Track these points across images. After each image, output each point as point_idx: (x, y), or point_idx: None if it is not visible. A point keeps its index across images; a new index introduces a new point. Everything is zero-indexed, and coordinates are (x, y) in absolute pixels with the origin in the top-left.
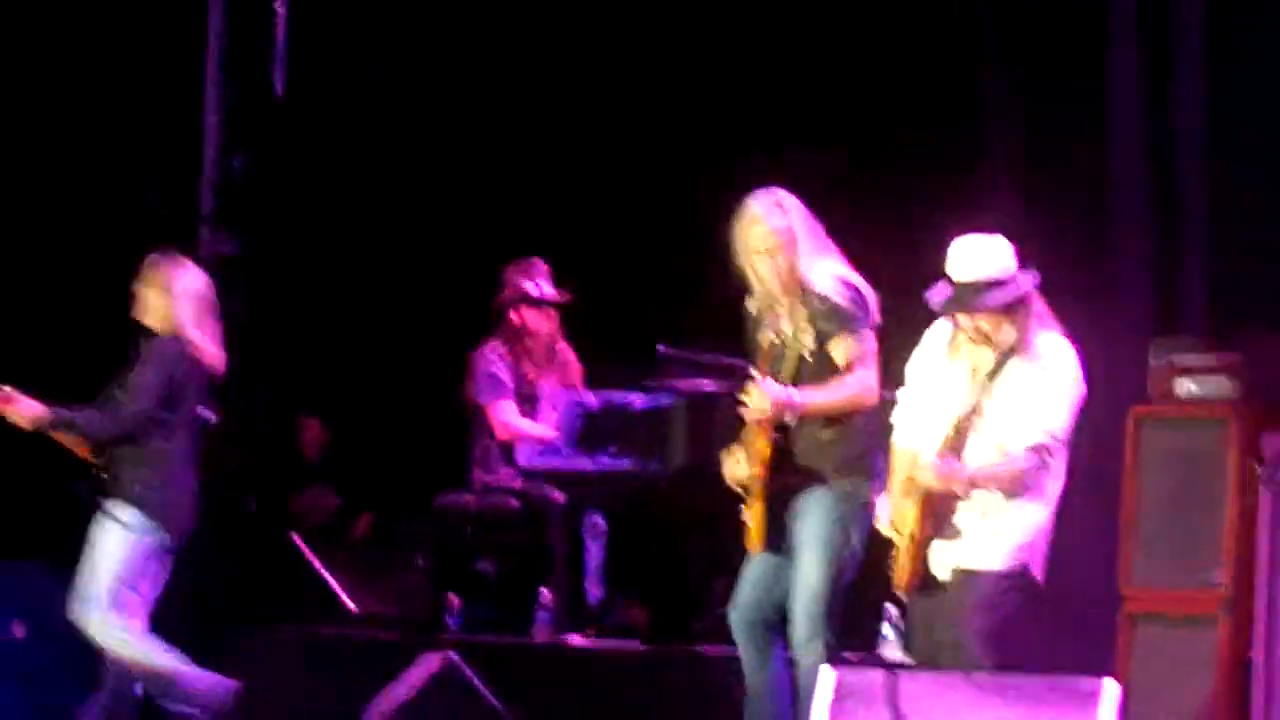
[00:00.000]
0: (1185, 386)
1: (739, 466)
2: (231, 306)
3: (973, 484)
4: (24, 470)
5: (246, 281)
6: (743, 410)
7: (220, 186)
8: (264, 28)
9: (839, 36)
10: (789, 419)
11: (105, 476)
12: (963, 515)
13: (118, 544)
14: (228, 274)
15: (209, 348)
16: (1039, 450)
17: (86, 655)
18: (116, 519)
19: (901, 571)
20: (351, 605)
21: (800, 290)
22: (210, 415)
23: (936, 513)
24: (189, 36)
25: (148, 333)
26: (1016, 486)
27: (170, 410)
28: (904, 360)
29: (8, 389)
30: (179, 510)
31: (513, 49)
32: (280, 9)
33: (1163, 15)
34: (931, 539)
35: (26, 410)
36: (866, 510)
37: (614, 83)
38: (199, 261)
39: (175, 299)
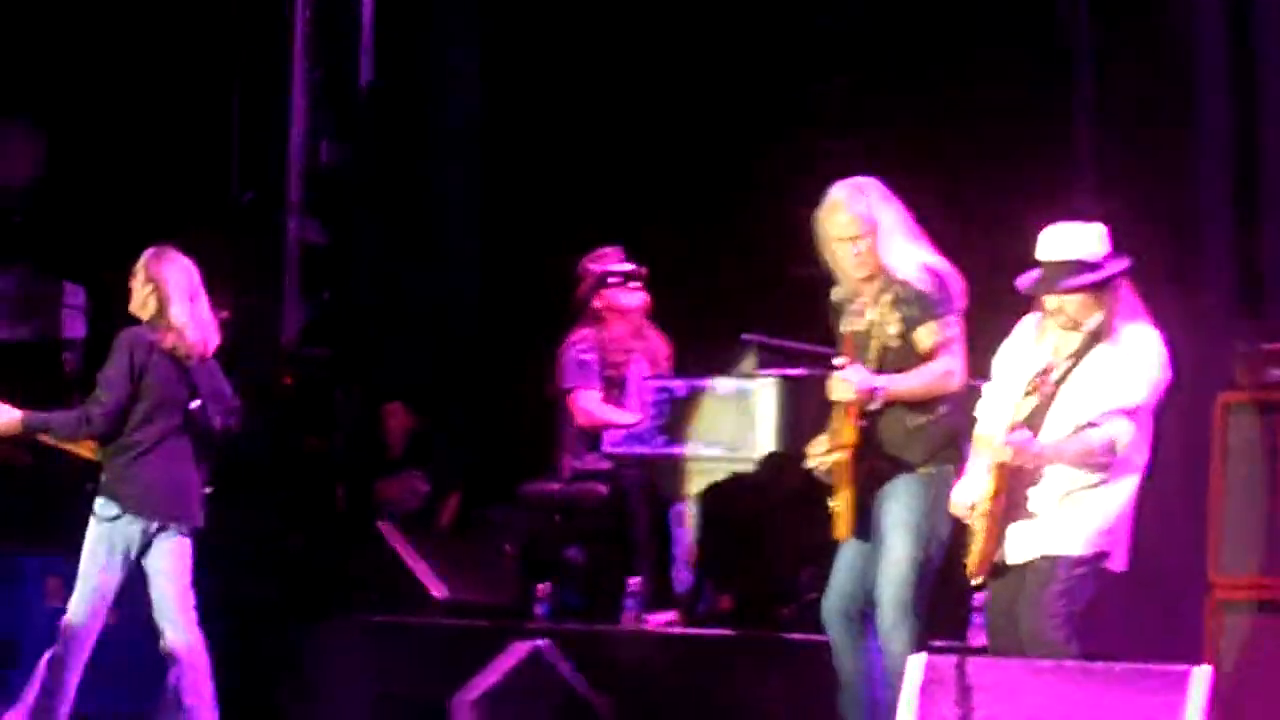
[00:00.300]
0: (1275, 373)
1: (826, 453)
2: (319, 295)
3: (1042, 457)
4: None
5: (334, 270)
6: (829, 396)
7: (307, 175)
8: (350, 16)
9: (927, 27)
10: (875, 405)
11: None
12: (1041, 498)
13: (90, 534)
14: (315, 263)
15: (190, 332)
16: (1110, 423)
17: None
18: (94, 511)
19: (974, 554)
20: (439, 593)
21: (884, 277)
22: (195, 404)
23: (1011, 491)
24: (276, 26)
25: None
26: (1086, 460)
27: (138, 399)
28: (992, 352)
29: None
30: (153, 496)
31: (590, 41)
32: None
33: (1248, 8)
34: (1005, 520)
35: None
36: (946, 496)
37: (693, 67)
38: (286, 250)
39: (154, 288)
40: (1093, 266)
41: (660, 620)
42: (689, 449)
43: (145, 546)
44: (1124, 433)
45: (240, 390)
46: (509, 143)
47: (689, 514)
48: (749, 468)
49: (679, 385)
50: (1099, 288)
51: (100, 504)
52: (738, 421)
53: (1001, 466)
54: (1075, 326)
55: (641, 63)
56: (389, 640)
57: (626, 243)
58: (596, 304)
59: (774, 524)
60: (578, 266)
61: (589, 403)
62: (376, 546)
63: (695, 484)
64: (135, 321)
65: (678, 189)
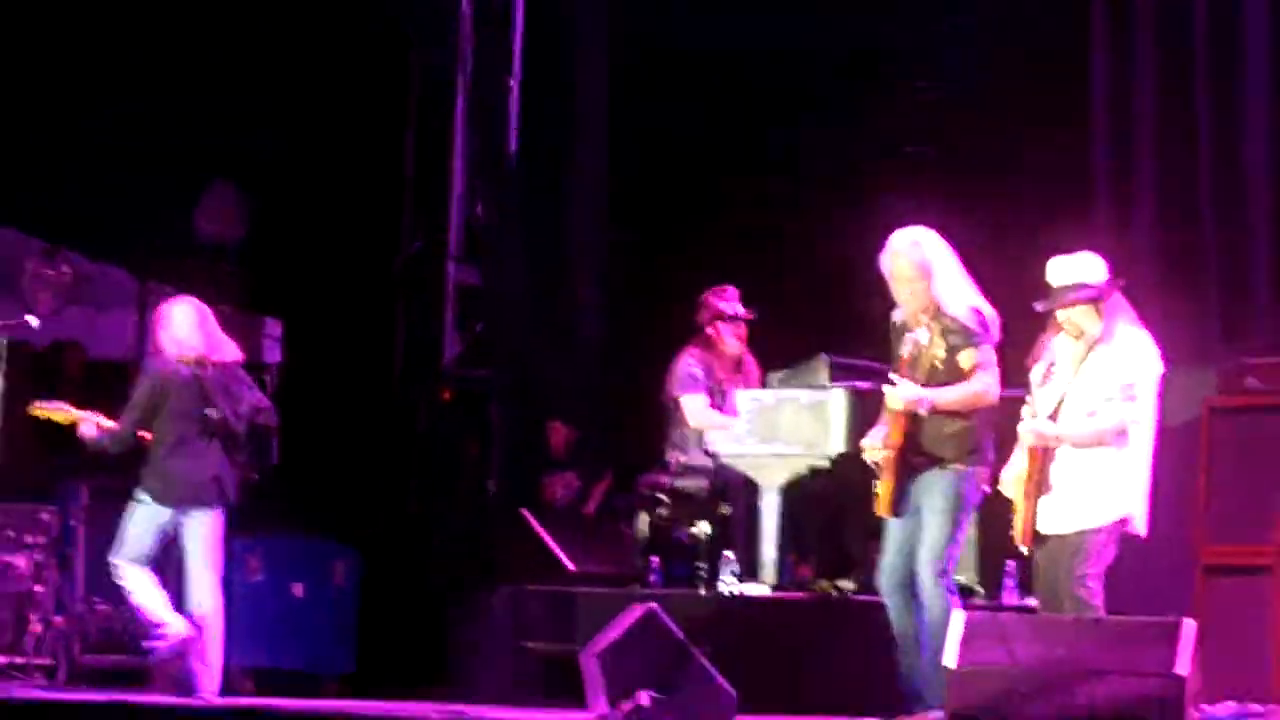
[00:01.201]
0: (1251, 382)
1: (875, 449)
2: (474, 326)
3: (1059, 439)
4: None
5: (486, 307)
6: (886, 403)
7: (465, 228)
8: (500, 94)
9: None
10: (922, 412)
11: None
12: (1070, 479)
13: (128, 515)
14: (470, 300)
15: (201, 356)
16: (1112, 409)
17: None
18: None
19: (1019, 526)
20: (570, 565)
21: (936, 310)
22: (214, 413)
23: (1042, 471)
24: (441, 104)
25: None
26: (1098, 441)
27: (158, 413)
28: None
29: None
30: (171, 488)
31: (695, 118)
32: (513, 86)
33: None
34: (1041, 496)
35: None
36: (977, 489)
37: (783, 138)
38: (447, 290)
39: (163, 328)
40: (1087, 286)
41: (751, 587)
42: (775, 448)
43: (176, 526)
44: (1125, 414)
45: (409, 403)
46: (630, 199)
47: (774, 500)
48: (823, 463)
49: (768, 396)
50: (1096, 302)
51: (137, 492)
52: (814, 426)
53: (1031, 451)
54: (1080, 335)
55: (743, 133)
56: (530, 604)
57: (736, 279)
58: (709, 331)
59: (843, 508)
60: (700, 296)
61: (697, 408)
62: (521, 530)
63: (779, 476)
64: None
65: (770, 238)
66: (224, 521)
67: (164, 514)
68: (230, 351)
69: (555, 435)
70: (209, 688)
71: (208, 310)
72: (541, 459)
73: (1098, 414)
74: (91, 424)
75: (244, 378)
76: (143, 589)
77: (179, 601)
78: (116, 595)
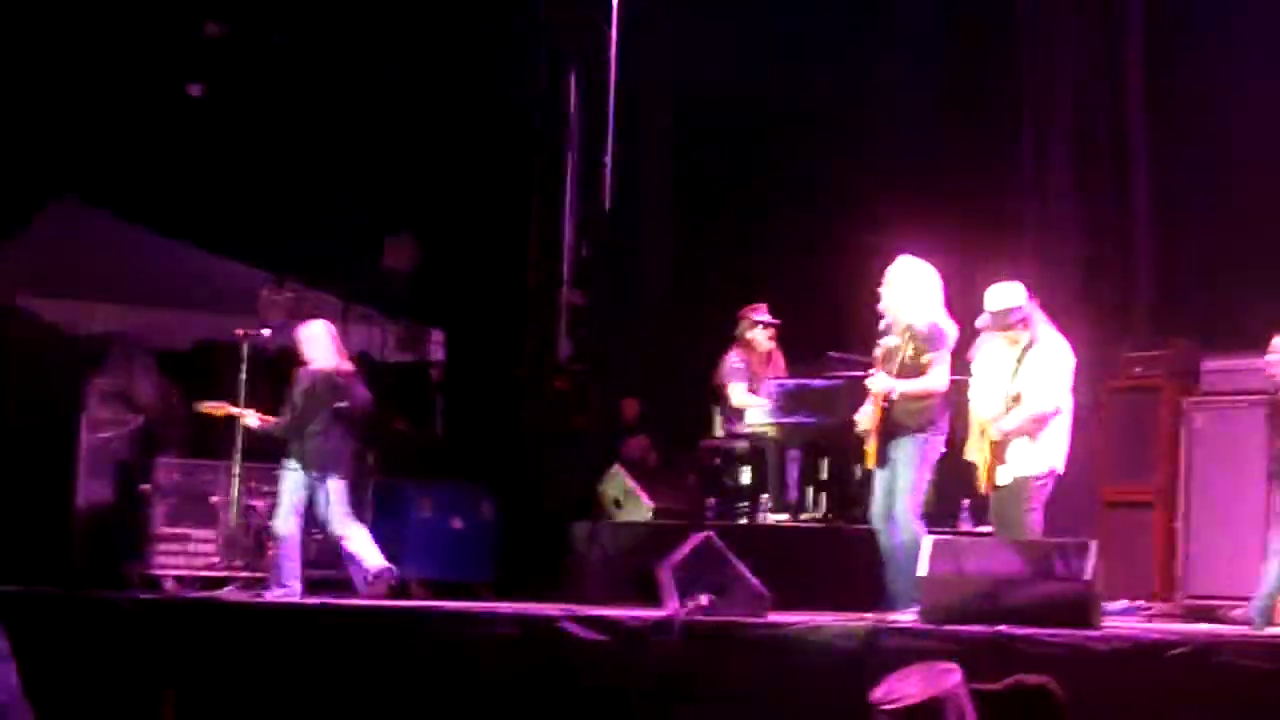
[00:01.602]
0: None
1: (864, 420)
2: (580, 335)
3: (1011, 431)
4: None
5: (589, 322)
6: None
7: (574, 262)
8: (599, 168)
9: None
10: (894, 396)
11: None
12: (1015, 442)
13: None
14: (578, 315)
15: (339, 367)
16: (1040, 401)
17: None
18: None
19: (982, 481)
20: (649, 503)
21: (908, 322)
22: (344, 403)
23: (1000, 448)
24: (556, 179)
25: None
26: (1040, 426)
27: (311, 404)
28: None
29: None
30: (312, 460)
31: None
32: (608, 161)
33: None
34: (999, 461)
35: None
36: (935, 449)
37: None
38: (560, 308)
39: (306, 345)
40: (1017, 309)
41: (780, 518)
42: (796, 418)
43: (310, 488)
44: (1049, 403)
45: (536, 389)
46: (691, 237)
47: (795, 456)
48: (831, 429)
49: (790, 383)
50: (1024, 320)
51: (288, 461)
52: (825, 404)
53: (994, 442)
54: (1014, 343)
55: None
56: (622, 532)
57: (766, 297)
58: (747, 335)
59: (846, 460)
60: (740, 310)
61: (738, 392)
62: (614, 478)
63: (800, 439)
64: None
65: (790, 269)
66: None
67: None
68: (346, 362)
69: (628, 408)
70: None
71: (333, 329)
72: (619, 426)
73: (1030, 406)
74: (254, 417)
75: (356, 378)
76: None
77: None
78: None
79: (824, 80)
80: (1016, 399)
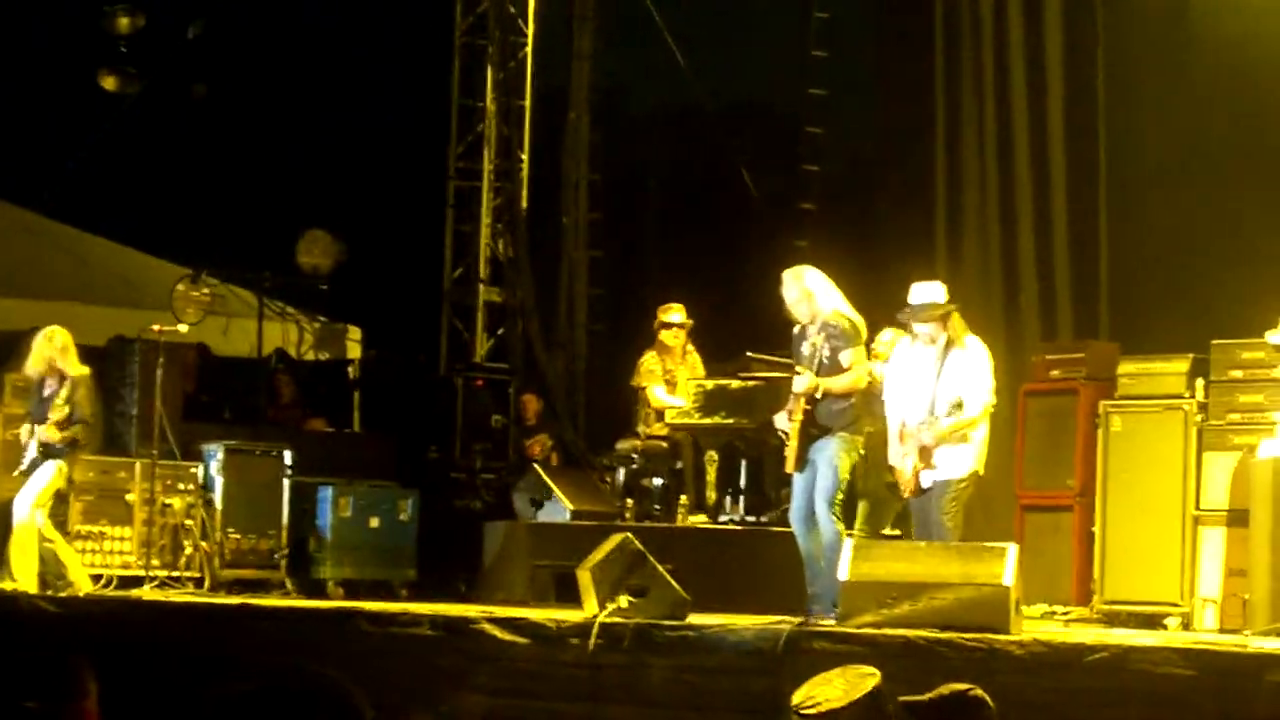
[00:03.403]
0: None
1: (784, 422)
2: (496, 334)
3: (947, 436)
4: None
5: (504, 318)
6: (792, 388)
7: (491, 262)
8: (514, 170)
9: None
10: (818, 395)
11: None
12: (938, 448)
13: None
14: (494, 313)
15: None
16: (977, 407)
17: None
18: None
19: (902, 484)
20: (569, 505)
21: (821, 321)
22: None
23: (928, 453)
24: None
25: None
26: (967, 428)
27: None
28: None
29: None
30: None
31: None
32: (523, 158)
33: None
34: (926, 466)
35: None
36: (855, 450)
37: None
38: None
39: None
40: (936, 305)
41: (697, 520)
42: (714, 419)
43: None
44: (983, 407)
45: (453, 387)
46: (606, 238)
47: (713, 458)
48: (749, 430)
49: (708, 382)
50: (943, 318)
51: None
52: (743, 404)
53: (922, 446)
54: (932, 341)
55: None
56: (540, 533)
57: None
58: (661, 336)
59: (761, 462)
60: (655, 314)
61: (659, 393)
62: (531, 478)
63: (717, 440)
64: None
65: (717, 280)
66: None
67: None
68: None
69: (527, 406)
70: None
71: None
72: (518, 425)
73: (959, 413)
74: None
75: None
76: None
77: None
78: (244, 526)
79: (750, 81)
80: (959, 405)
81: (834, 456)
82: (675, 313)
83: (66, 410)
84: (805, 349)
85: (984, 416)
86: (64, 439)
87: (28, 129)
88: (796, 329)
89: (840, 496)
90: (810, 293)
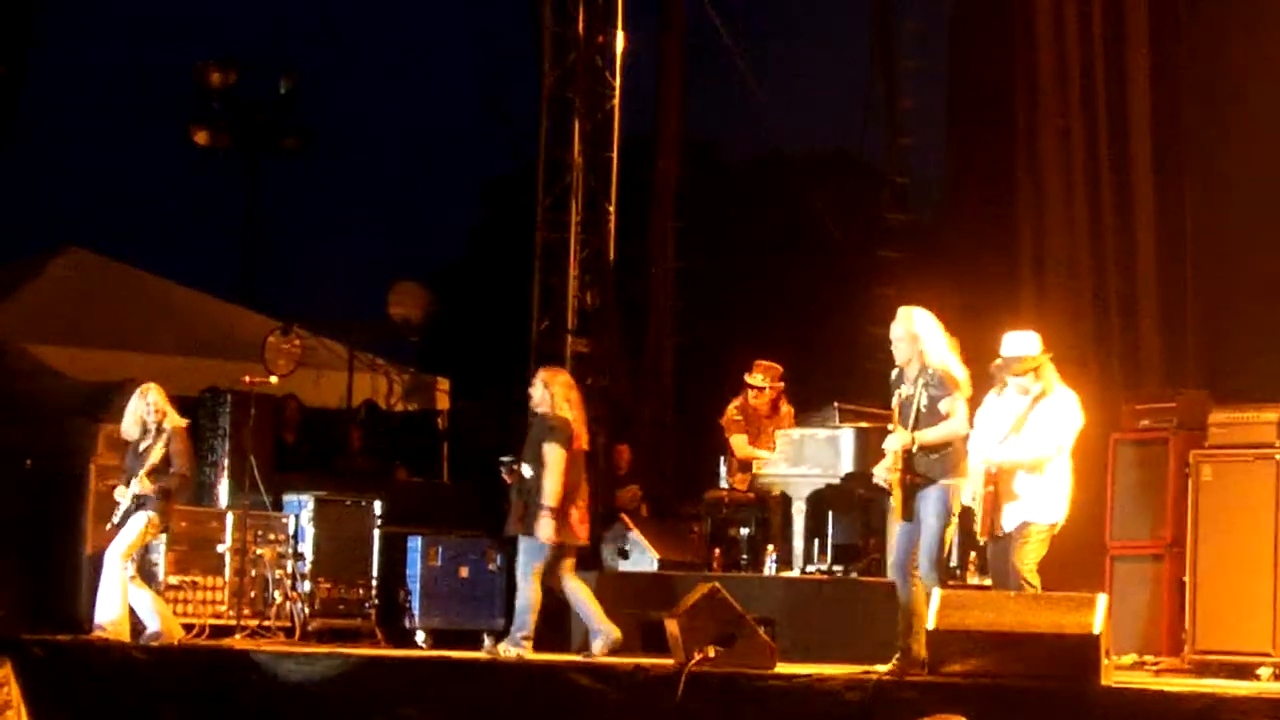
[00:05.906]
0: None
1: (884, 474)
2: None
3: (1012, 465)
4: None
5: (595, 368)
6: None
7: (578, 313)
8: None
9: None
10: (913, 448)
11: None
12: (1019, 490)
13: None
14: (584, 362)
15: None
16: (1049, 446)
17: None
18: None
19: (979, 526)
20: (655, 554)
21: (921, 369)
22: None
23: (1000, 485)
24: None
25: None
26: (1024, 466)
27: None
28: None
29: None
30: None
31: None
32: (611, 210)
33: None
34: (996, 503)
35: None
36: (958, 497)
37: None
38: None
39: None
40: (1029, 358)
41: (785, 572)
42: (801, 470)
43: None
44: (1049, 446)
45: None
46: (695, 299)
47: (801, 508)
48: (836, 481)
49: (795, 433)
50: (1036, 369)
51: None
52: (830, 454)
53: (989, 473)
54: (1025, 392)
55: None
56: (626, 583)
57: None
58: (748, 392)
59: (851, 512)
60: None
61: (740, 444)
62: (618, 528)
63: (805, 490)
64: None
65: (796, 319)
66: None
67: None
68: None
69: (620, 456)
70: None
71: None
72: (610, 475)
73: (1040, 450)
74: None
75: None
76: None
77: None
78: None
79: (834, 132)
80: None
81: (936, 507)
82: (759, 374)
83: (161, 455)
84: (903, 397)
85: (1045, 461)
86: (157, 490)
87: (121, 183)
88: (895, 371)
89: (943, 555)
90: (916, 335)
